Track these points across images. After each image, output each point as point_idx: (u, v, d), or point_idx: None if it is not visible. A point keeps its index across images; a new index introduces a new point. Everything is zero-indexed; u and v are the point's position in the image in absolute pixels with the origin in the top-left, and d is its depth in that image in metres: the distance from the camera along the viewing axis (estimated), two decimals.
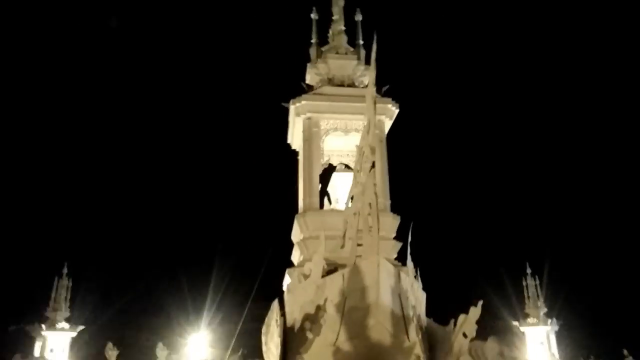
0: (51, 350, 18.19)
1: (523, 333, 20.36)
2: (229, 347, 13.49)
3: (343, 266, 10.23)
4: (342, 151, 13.49)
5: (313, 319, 9.65)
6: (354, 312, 9.11)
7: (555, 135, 32.26)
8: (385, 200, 12.41)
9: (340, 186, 12.85)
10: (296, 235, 12.64)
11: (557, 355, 19.61)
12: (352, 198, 10.37)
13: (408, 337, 9.09)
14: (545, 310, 20.60)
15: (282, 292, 13.41)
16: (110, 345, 16.09)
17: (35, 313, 19.15)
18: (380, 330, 8.80)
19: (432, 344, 9.93)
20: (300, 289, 10.23)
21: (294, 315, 10.00)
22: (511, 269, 21.79)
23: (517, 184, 31.32)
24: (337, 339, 9.18)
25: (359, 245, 9.79)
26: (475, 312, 9.74)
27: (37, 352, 18.30)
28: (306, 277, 10.30)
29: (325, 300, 9.53)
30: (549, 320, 20.27)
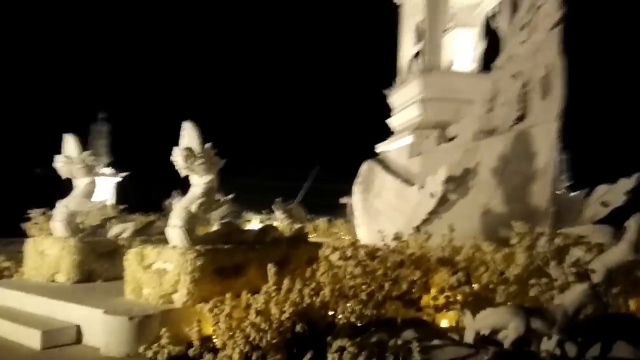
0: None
1: None
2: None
3: (487, 132, 9.91)
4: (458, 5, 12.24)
5: (458, 181, 9.53)
6: (516, 176, 9.00)
7: None
8: None
9: (459, 46, 11.94)
10: (407, 94, 12.01)
11: None
12: (506, 59, 9.71)
13: (553, 203, 9.19)
14: None
15: (376, 153, 13.25)
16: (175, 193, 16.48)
17: None
18: (541, 195, 8.80)
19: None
20: (442, 151, 9.93)
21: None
22: None
23: None
24: (489, 201, 9.17)
25: (518, 110, 9.39)
26: (625, 184, 9.84)
27: None
28: (449, 139, 9.95)
29: (477, 163, 9.34)
30: None
